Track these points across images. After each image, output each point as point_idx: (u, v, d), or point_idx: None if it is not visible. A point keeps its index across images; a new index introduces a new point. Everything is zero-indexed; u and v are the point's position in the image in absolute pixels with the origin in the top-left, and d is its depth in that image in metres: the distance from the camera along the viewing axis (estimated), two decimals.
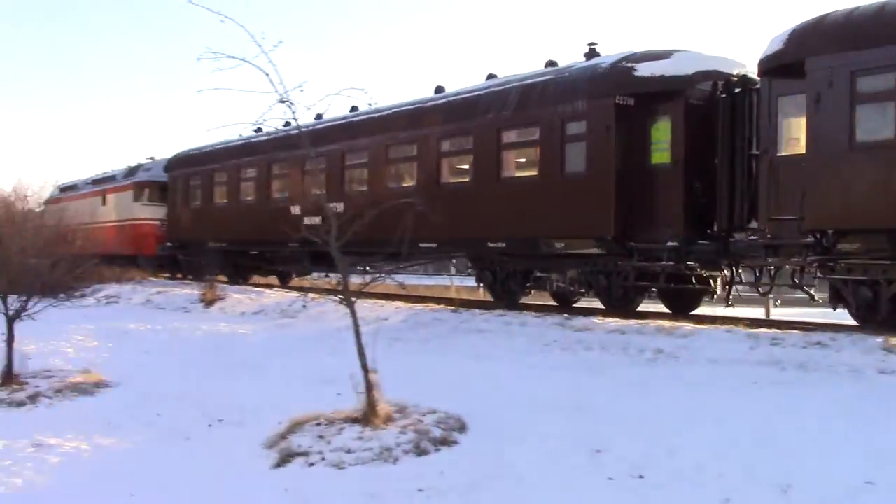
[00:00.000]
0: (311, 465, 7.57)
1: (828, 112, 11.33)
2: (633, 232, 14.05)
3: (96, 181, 34.29)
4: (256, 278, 26.70)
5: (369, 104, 10.05)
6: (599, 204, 14.10)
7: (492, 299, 17.40)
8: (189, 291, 22.62)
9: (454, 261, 21.99)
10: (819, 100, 11.40)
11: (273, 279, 26.70)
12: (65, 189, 34.53)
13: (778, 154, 12.38)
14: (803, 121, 11.96)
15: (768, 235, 12.42)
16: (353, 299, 8.96)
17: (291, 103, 9.00)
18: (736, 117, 13.23)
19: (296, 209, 20.73)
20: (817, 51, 11.54)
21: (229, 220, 24.98)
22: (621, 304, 14.96)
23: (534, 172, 15.59)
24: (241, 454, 8.13)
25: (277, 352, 13.55)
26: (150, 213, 29.97)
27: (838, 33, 11.43)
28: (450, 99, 17.81)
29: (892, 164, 10.81)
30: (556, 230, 14.88)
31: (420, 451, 7.60)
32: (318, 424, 8.36)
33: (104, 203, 32.44)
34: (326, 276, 22.63)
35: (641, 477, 6.65)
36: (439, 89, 18.76)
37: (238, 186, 24.93)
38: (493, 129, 16.13)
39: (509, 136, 16.13)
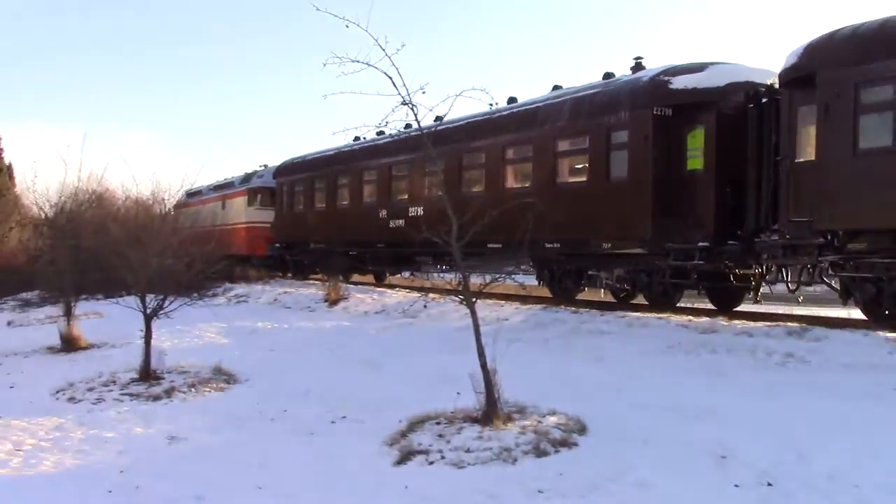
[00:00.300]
0: (431, 463, 7.62)
1: (835, 121, 12.15)
2: (669, 233, 14.84)
3: (217, 187, 36.72)
4: (354, 276, 27.64)
5: (490, 105, 10.12)
6: (639, 207, 15.11)
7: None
8: (314, 291, 23.18)
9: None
10: (828, 109, 12.23)
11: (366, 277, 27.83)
12: (191, 194, 36.30)
13: (796, 160, 13.02)
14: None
15: (787, 236, 13.18)
16: (474, 299, 8.99)
17: (414, 105, 9.08)
18: (763, 126, 13.93)
19: (382, 213, 23.41)
20: (826, 64, 12.36)
21: (327, 222, 27.06)
22: (662, 300, 16.16)
23: (584, 178, 16.73)
24: (363, 451, 8.26)
25: (398, 350, 13.73)
26: (262, 217, 32.15)
27: (845, 48, 12.20)
28: (514, 111, 18.88)
29: (890, 169, 11.48)
30: (603, 232, 15.89)
31: (540, 453, 7.54)
32: (438, 423, 8.43)
33: (223, 207, 34.70)
34: (412, 275, 25.22)
35: (770, 485, 6.40)
36: (512, 100, 19.53)
37: (335, 192, 26.89)
38: (549, 138, 17.37)
39: (563, 145, 17.32)
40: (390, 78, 8.84)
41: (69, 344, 16.86)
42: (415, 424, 8.50)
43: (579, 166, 16.99)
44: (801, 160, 12.89)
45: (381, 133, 22.07)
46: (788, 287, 14.15)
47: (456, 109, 9.60)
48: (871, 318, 12.62)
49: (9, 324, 23.20)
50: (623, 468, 6.97)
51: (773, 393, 9.04)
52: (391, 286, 24.84)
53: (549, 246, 16.75)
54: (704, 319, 13.72)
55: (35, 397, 12.12)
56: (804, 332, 11.83)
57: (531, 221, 9.73)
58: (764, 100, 13.99)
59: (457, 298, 9.71)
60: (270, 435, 9.32)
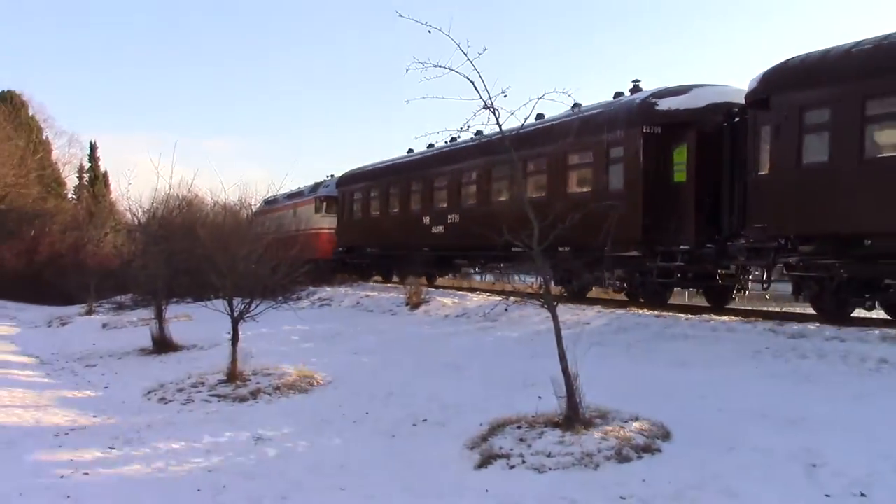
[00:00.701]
0: (512, 467, 7.59)
1: (784, 139, 13.56)
2: (658, 238, 16.61)
3: (289, 195, 38.80)
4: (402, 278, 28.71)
5: (575, 105, 10.15)
6: (632, 214, 16.78)
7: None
8: (395, 295, 23.33)
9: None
10: (779, 129, 13.65)
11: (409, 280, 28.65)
12: (268, 202, 37.56)
13: (759, 173, 14.30)
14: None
15: (751, 240, 14.68)
16: (555, 303, 8.92)
17: (495, 109, 9.11)
18: (736, 143, 15.44)
19: (426, 219, 25.66)
20: (778, 90, 13.79)
21: (381, 228, 29.42)
22: (654, 298, 17.73)
23: (588, 189, 18.51)
24: (444, 454, 8.29)
25: (479, 354, 13.73)
26: (327, 223, 34.47)
27: (793, 75, 13.59)
28: (535, 128, 19.78)
29: (826, 182, 12.87)
30: (604, 236, 16.65)
31: (622, 458, 7.43)
32: (519, 427, 8.39)
33: (294, 215, 36.67)
34: (454, 276, 28.24)
35: (863, 495, 6.18)
36: (539, 116, 19.95)
37: (387, 200, 29.32)
38: (561, 153, 19.45)
39: (573, 159, 19.40)
40: (472, 82, 8.88)
41: (160, 346, 17.41)
42: (496, 428, 8.49)
43: (585, 178, 19.00)
44: (762, 173, 14.22)
45: (430, 146, 24.34)
46: (763, 286, 15.59)
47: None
48: (819, 313, 14.16)
49: (104, 326, 24.10)
50: (708, 476, 6.82)
51: (866, 400, 8.72)
52: (472, 289, 24.89)
53: (561, 249, 17.66)
54: (793, 324, 13.35)
55: (128, 397, 12.57)
56: None
57: (614, 222, 9.88)
58: (737, 119, 15.55)
59: (538, 302, 9.67)
60: (353, 437, 9.44)
